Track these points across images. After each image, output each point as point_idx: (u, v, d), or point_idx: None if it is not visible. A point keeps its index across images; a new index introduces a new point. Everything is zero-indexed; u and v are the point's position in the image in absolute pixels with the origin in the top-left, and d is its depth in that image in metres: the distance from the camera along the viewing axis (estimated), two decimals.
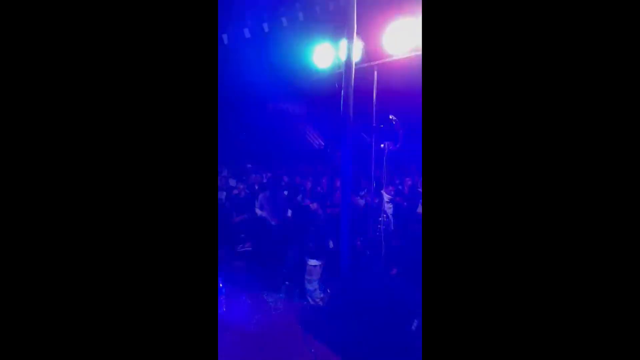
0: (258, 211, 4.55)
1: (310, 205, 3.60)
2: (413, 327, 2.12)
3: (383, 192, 3.65)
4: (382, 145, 3.10)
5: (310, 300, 3.34)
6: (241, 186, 5.23)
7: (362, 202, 4.04)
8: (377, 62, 3.06)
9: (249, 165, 7.04)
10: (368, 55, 3.10)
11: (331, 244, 3.47)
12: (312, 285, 3.35)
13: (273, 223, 4.37)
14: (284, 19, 6.11)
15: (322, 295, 3.39)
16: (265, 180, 5.85)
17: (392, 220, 3.64)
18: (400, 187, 5.26)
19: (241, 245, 5.01)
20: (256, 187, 5.34)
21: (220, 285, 2.69)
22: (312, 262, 3.36)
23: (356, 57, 3.09)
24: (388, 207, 3.60)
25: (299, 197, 4.43)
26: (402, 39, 2.95)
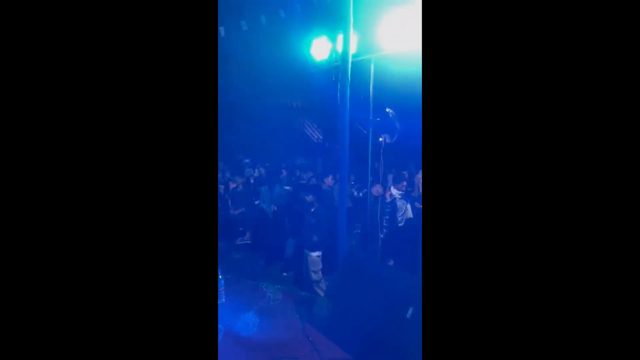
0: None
1: (307, 198, 3.63)
2: (408, 315, 2.17)
3: (393, 188, 3.66)
4: (380, 139, 3.12)
5: (319, 291, 3.39)
6: (239, 180, 5.25)
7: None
8: (374, 55, 3.06)
9: (247, 160, 7.03)
10: (365, 48, 3.10)
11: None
12: (318, 276, 3.41)
13: (271, 216, 4.40)
14: (281, 11, 6.05)
15: (327, 284, 3.45)
16: (264, 174, 5.86)
17: (404, 215, 3.63)
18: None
19: (240, 238, 5.05)
20: (251, 182, 5.36)
21: (220, 277, 2.73)
22: (315, 253, 3.41)
23: (353, 50, 3.09)
24: (401, 204, 3.59)
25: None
26: (399, 31, 2.94)
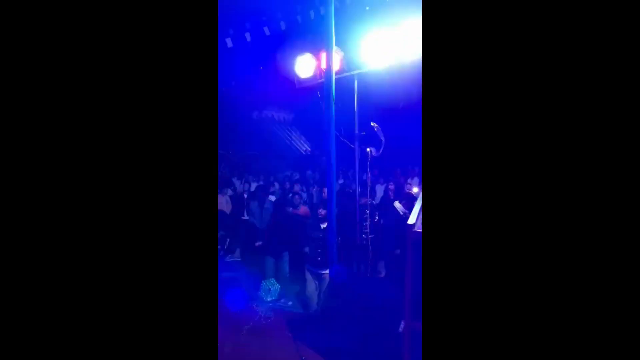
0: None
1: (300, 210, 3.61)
2: (400, 329, 2.16)
3: (397, 203, 3.68)
4: (368, 150, 3.17)
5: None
6: (226, 195, 5.19)
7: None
8: (357, 72, 3.15)
9: (234, 178, 6.98)
10: (348, 65, 3.18)
11: None
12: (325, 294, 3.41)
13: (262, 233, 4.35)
14: (266, 28, 6.16)
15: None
16: (253, 188, 5.83)
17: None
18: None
19: (229, 256, 4.96)
20: (245, 196, 5.31)
21: None
22: (326, 271, 3.38)
23: (337, 66, 3.16)
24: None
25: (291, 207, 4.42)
26: (381, 49, 3.04)
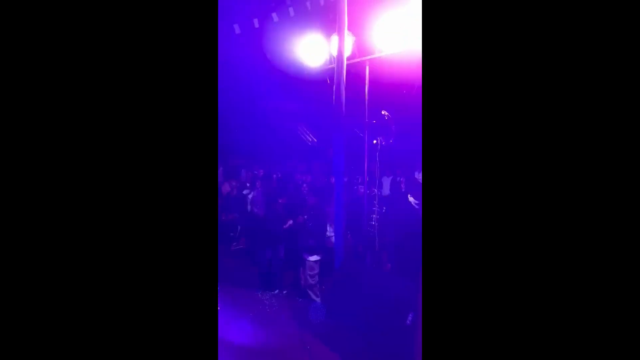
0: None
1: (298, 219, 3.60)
2: (408, 322, 2.13)
3: (410, 196, 3.63)
4: (374, 142, 3.11)
5: (312, 295, 3.36)
6: (233, 184, 5.18)
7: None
8: (368, 57, 3.05)
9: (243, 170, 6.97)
10: (360, 51, 3.09)
11: None
12: (314, 280, 3.39)
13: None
14: (274, 15, 6.03)
15: (321, 289, 3.43)
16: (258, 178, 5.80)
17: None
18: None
19: (235, 244, 4.97)
20: (247, 185, 5.29)
21: None
22: (313, 257, 3.38)
23: (348, 52, 3.07)
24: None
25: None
26: (393, 34, 2.94)
